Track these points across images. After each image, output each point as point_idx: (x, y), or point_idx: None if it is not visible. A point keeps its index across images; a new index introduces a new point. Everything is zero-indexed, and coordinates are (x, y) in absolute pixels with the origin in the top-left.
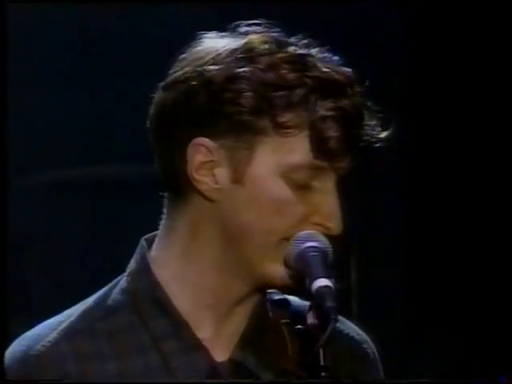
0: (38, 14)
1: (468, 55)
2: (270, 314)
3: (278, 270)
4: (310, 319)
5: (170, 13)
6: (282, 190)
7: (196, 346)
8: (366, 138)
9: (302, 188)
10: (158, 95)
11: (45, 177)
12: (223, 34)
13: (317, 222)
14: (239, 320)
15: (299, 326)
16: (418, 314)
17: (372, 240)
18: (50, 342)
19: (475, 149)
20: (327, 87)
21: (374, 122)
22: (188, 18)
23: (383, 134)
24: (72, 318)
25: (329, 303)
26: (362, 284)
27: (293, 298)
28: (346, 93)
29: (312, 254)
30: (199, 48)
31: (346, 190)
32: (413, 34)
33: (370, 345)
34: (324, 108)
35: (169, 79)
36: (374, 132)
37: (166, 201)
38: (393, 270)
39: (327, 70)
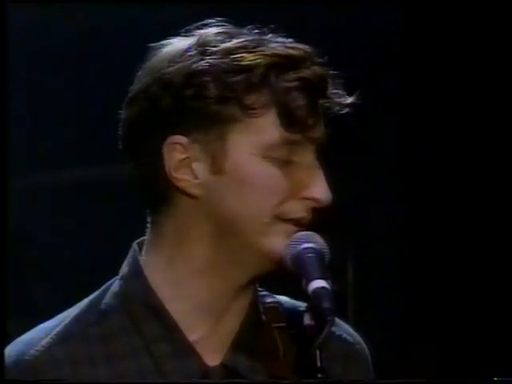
0: (38, 14)
1: (468, 55)
2: (263, 317)
3: (277, 243)
4: (307, 320)
5: (170, 13)
6: (264, 169)
7: (188, 350)
8: (333, 106)
9: (283, 165)
10: (122, 115)
11: (45, 177)
12: (176, 39)
13: (304, 196)
14: (232, 321)
15: (293, 330)
16: (415, 315)
17: (369, 241)
18: (43, 346)
19: (475, 148)
20: (286, 62)
21: (339, 90)
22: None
23: (349, 100)
24: (65, 322)
25: (325, 304)
26: (358, 285)
27: (285, 300)
28: (305, 64)
29: (308, 255)
30: (153, 58)
31: (347, 189)
32: (412, 34)
33: (362, 346)
34: (286, 80)
35: (130, 95)
36: (341, 99)
37: (149, 211)
38: (390, 270)
39: (283, 47)
